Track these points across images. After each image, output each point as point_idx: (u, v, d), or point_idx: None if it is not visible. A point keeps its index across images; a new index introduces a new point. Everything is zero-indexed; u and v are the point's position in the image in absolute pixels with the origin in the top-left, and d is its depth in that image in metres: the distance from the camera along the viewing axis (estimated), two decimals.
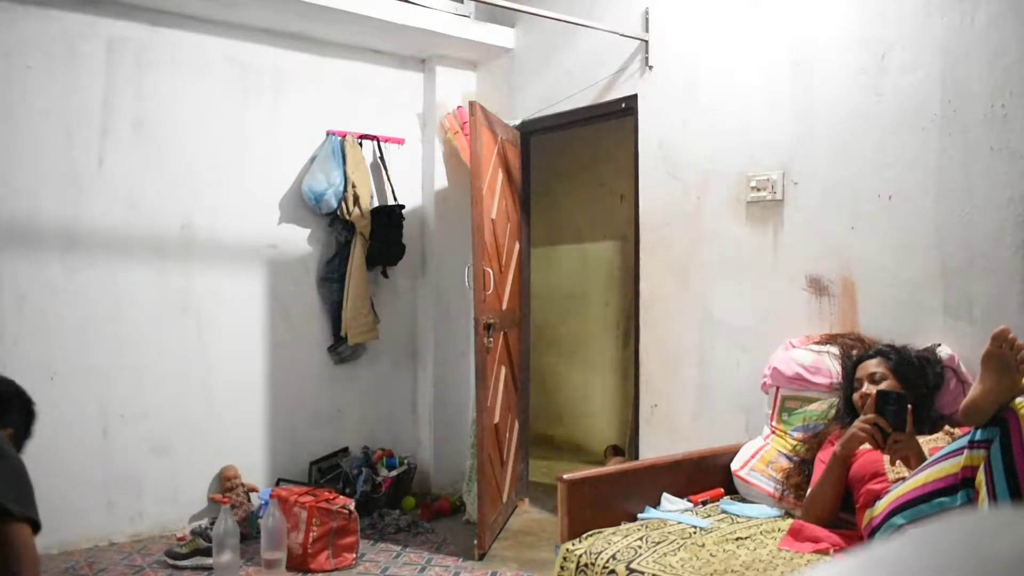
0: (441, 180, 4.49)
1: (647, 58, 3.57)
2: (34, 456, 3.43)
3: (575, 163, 5.49)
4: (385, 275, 4.39)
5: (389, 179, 4.38)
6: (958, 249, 2.57)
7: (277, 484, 3.92)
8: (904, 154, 2.70)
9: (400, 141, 4.43)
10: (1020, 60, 2.43)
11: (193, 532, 3.45)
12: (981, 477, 1.70)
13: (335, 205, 4.09)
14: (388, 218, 4.27)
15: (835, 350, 2.69)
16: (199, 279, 3.86)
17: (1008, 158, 2.45)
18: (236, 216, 3.96)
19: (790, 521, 2.36)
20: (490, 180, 3.69)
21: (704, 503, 2.63)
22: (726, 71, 3.26)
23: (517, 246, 4.19)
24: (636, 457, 3.57)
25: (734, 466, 2.75)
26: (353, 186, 4.11)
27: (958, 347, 2.50)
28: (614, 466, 3.26)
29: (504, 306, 3.92)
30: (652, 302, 3.54)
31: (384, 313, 4.37)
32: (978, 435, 1.74)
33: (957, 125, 2.57)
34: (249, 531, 3.59)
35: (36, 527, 1.72)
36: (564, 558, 2.27)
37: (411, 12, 4.02)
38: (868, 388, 2.34)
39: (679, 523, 2.41)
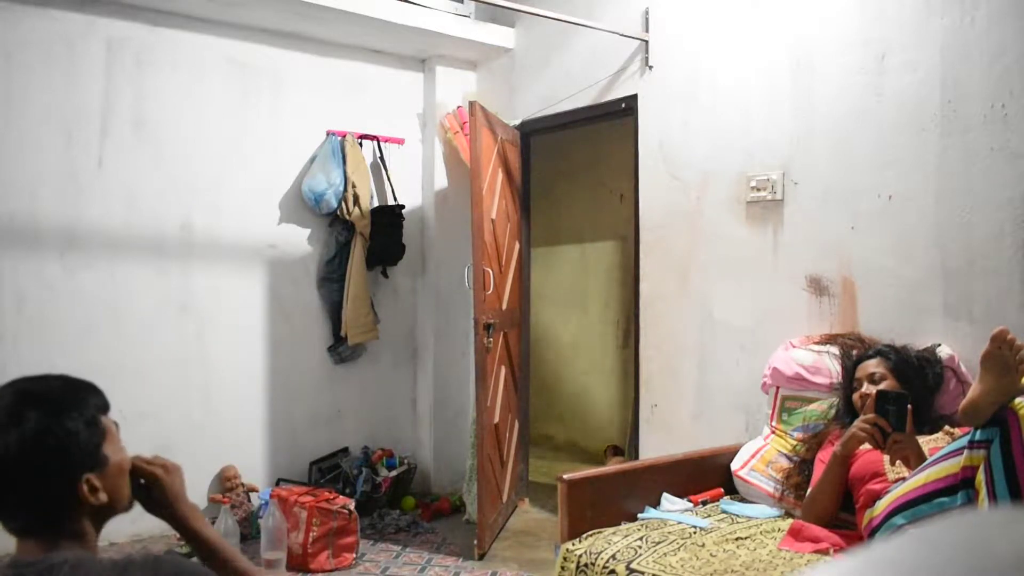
0: (441, 180, 4.49)
1: (647, 58, 3.57)
2: None
3: (575, 163, 5.49)
4: (385, 275, 4.39)
5: (389, 179, 4.38)
6: (958, 249, 2.57)
7: (277, 484, 3.92)
8: (904, 154, 2.70)
9: (400, 141, 4.43)
10: (1020, 60, 2.43)
11: None
12: (981, 477, 1.70)
13: (335, 205, 4.09)
14: (388, 218, 4.27)
15: (835, 350, 2.69)
16: (199, 279, 3.86)
17: (1008, 158, 2.45)
18: (236, 216, 3.96)
19: (790, 521, 2.36)
20: (490, 180, 3.69)
21: (704, 503, 2.63)
22: (726, 71, 3.26)
23: (517, 246, 4.19)
24: (636, 457, 3.57)
25: (734, 466, 2.75)
26: (353, 186, 4.11)
27: (958, 347, 2.50)
28: (614, 466, 3.26)
29: (504, 306, 3.92)
30: (652, 302, 3.54)
31: (384, 313, 4.37)
32: (978, 435, 1.74)
33: (957, 125, 2.57)
34: (249, 531, 3.59)
35: None
36: (564, 558, 2.27)
37: (411, 12, 4.02)
38: (868, 388, 2.34)
39: (679, 523, 2.42)
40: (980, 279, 2.52)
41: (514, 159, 4.14)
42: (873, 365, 2.38)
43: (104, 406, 1.18)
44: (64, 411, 1.10)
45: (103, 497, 1.13)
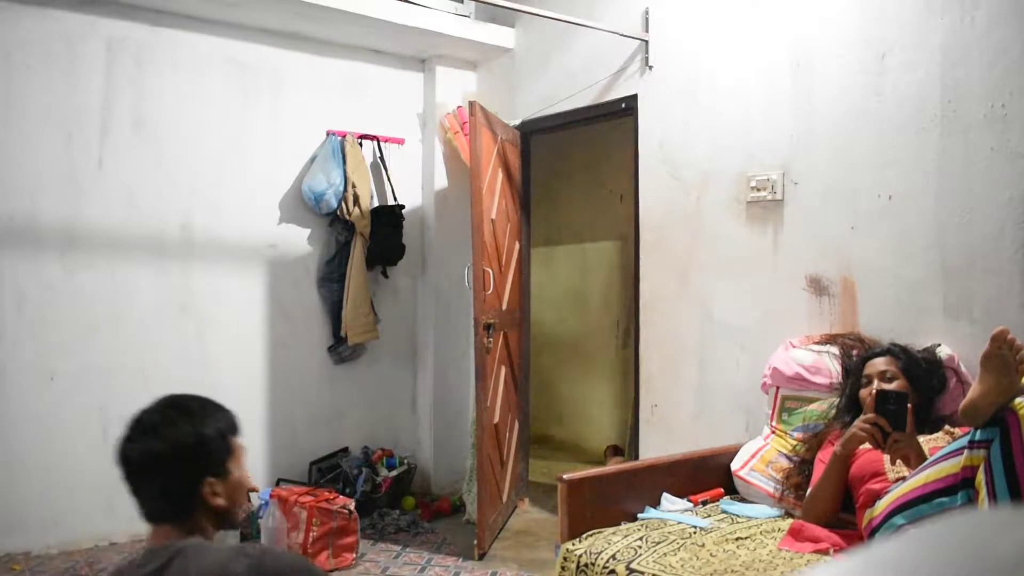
0: (441, 180, 4.49)
1: (647, 58, 3.57)
2: (34, 456, 3.45)
3: (575, 163, 5.49)
4: (385, 275, 4.39)
5: (389, 179, 4.38)
6: (958, 249, 2.57)
7: (277, 484, 3.92)
8: (904, 154, 2.70)
9: (400, 141, 4.44)
10: (1020, 60, 2.43)
11: None
12: (981, 477, 1.70)
13: (335, 205, 4.09)
14: (388, 218, 4.27)
15: (835, 350, 2.69)
16: (199, 279, 3.86)
17: (1008, 158, 2.45)
18: (236, 216, 3.96)
19: (790, 521, 2.36)
20: (490, 180, 3.69)
21: (704, 503, 2.63)
22: (726, 71, 3.26)
23: (517, 246, 4.19)
24: (636, 457, 3.57)
25: (734, 466, 2.75)
26: (353, 186, 4.11)
27: (958, 347, 2.50)
28: (614, 466, 3.26)
29: (504, 306, 3.92)
30: (652, 302, 3.54)
31: (384, 313, 4.37)
32: (978, 435, 1.74)
33: (957, 125, 2.57)
34: (249, 531, 3.59)
35: None
36: (564, 558, 2.27)
37: (411, 12, 4.02)
38: (879, 385, 2.33)
39: (679, 523, 2.42)
40: (980, 279, 2.52)
41: (514, 159, 4.14)
42: (884, 363, 2.37)
43: (234, 428, 1.40)
44: (202, 422, 1.34)
45: (221, 502, 1.34)
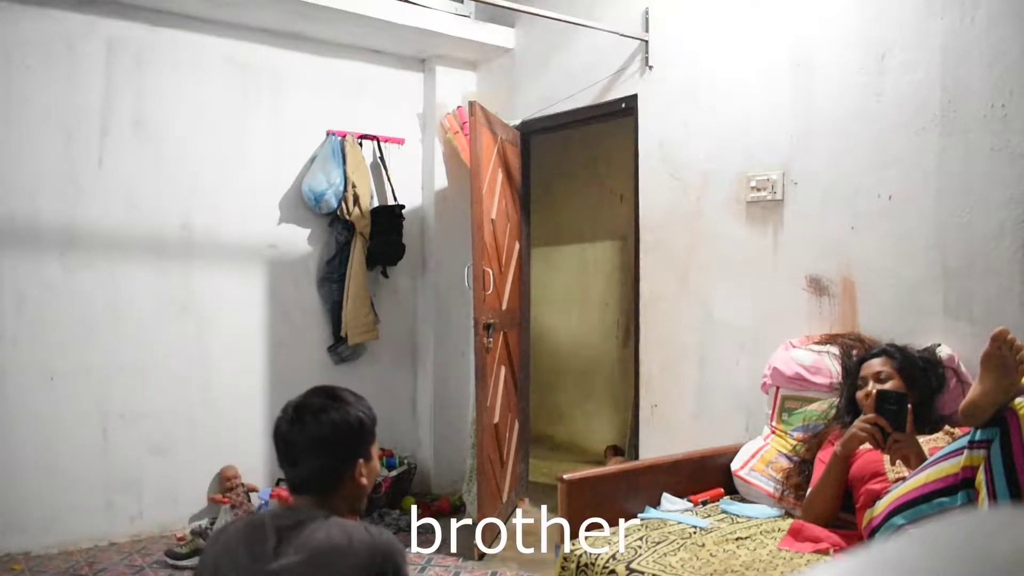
0: (441, 180, 4.49)
1: (647, 58, 3.57)
2: (34, 456, 3.45)
3: (575, 163, 5.49)
4: (385, 275, 4.39)
5: (389, 179, 4.38)
6: (958, 249, 2.57)
7: (277, 484, 3.91)
8: (904, 154, 2.70)
9: (400, 141, 4.44)
10: (1020, 60, 2.43)
11: (193, 532, 3.45)
12: (981, 477, 1.70)
13: (335, 205, 4.09)
14: (388, 218, 4.27)
15: (835, 350, 2.69)
16: (199, 279, 3.86)
17: (1008, 158, 2.45)
18: (236, 216, 3.96)
19: (790, 521, 2.36)
20: (490, 180, 3.69)
21: (704, 503, 2.63)
22: (726, 71, 3.26)
23: (517, 246, 4.19)
24: (636, 457, 3.57)
25: (734, 466, 2.75)
26: (353, 186, 4.11)
27: (958, 347, 2.50)
28: (614, 466, 3.26)
29: (504, 306, 3.92)
30: (652, 302, 3.54)
31: (384, 313, 4.37)
32: (978, 435, 1.74)
33: (957, 125, 2.57)
34: None
35: None
36: (564, 558, 2.27)
37: (411, 12, 4.02)
38: (873, 387, 2.33)
39: (679, 523, 2.42)
40: (980, 279, 2.52)
41: (514, 159, 4.14)
42: (879, 364, 2.37)
43: (376, 419, 1.56)
44: (358, 410, 1.52)
45: (365, 481, 1.51)
